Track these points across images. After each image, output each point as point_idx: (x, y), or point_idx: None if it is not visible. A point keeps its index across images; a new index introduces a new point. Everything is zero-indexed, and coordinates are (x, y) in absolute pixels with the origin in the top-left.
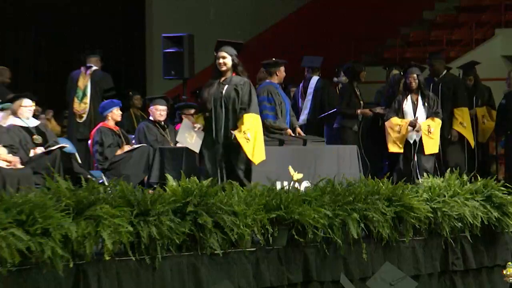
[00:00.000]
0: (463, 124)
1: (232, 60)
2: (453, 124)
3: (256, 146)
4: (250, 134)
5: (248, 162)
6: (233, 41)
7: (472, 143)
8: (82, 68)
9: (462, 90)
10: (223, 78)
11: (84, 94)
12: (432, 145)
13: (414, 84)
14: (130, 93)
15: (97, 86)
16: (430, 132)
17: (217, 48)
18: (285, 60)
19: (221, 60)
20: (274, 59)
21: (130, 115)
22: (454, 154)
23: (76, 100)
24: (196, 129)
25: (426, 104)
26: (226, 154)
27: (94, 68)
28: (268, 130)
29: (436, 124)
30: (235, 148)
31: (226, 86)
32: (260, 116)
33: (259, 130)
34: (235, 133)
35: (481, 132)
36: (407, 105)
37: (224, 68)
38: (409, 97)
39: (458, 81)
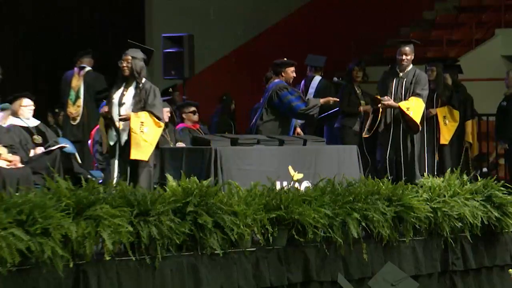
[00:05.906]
0: (409, 109)
1: None
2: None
3: None
4: None
5: None
6: None
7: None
8: (76, 69)
9: (423, 82)
10: None
11: (77, 96)
12: None
13: (127, 70)
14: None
15: (90, 87)
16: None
17: None
18: (293, 61)
19: None
20: (285, 59)
21: None
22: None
23: (69, 102)
24: None
25: (138, 96)
26: None
27: (88, 69)
28: (302, 117)
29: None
30: None
31: None
32: (292, 108)
33: None
34: None
35: (442, 133)
36: (116, 94)
37: None
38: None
39: (420, 74)
